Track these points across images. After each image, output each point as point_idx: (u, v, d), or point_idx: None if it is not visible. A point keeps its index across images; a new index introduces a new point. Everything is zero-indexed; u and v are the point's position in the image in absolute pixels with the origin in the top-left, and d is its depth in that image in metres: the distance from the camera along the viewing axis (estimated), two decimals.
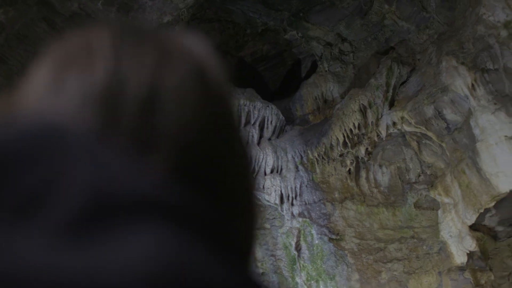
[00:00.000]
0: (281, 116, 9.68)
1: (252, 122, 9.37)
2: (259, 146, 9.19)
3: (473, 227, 8.17)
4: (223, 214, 0.33)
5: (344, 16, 10.14)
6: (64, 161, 0.24)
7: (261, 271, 8.64)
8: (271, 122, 9.53)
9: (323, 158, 9.15)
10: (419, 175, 8.90)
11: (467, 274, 8.08)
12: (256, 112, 9.34)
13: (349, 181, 9.04)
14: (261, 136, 9.48)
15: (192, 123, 0.32)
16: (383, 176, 9.09)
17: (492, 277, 8.09)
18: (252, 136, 9.23)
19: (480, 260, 8.18)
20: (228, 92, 0.38)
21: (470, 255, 8.13)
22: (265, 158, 9.06)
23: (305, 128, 9.87)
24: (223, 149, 0.35)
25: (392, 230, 8.64)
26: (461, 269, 8.13)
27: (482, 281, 8.08)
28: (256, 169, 9.09)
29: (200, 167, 0.32)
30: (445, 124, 8.33)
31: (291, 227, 8.77)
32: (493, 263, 8.21)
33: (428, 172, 8.82)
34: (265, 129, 9.54)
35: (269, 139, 9.50)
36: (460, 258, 8.13)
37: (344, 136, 8.88)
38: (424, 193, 8.73)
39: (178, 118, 0.31)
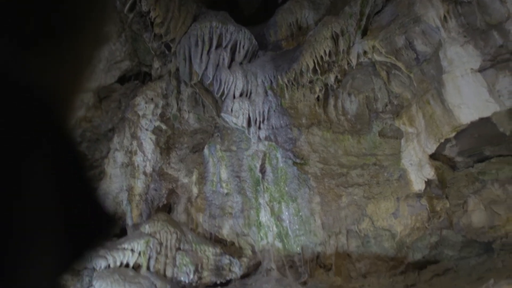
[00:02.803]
0: (254, 41, 9.52)
1: (224, 45, 9.22)
2: (229, 70, 9.11)
3: (433, 157, 8.40)
4: None
5: None
6: None
7: (225, 191, 8.83)
8: (243, 46, 9.37)
9: (292, 84, 9.13)
10: (386, 105, 8.99)
11: (424, 201, 8.38)
12: (228, 36, 9.16)
13: (317, 107, 9.09)
14: (232, 60, 9.37)
15: None
16: (351, 105, 9.16)
17: (447, 205, 8.42)
18: (223, 59, 9.13)
19: (437, 188, 8.47)
20: None
21: (428, 183, 8.41)
22: (235, 81, 9.01)
23: (277, 53, 9.74)
24: None
25: (356, 156, 8.82)
26: (419, 196, 8.42)
27: (438, 208, 8.40)
28: (225, 92, 9.06)
29: None
30: (415, 54, 8.34)
31: (257, 150, 8.88)
32: (449, 191, 8.51)
33: (395, 102, 8.91)
34: (236, 53, 9.40)
35: (241, 63, 9.39)
36: (418, 185, 8.40)
37: (314, 63, 8.82)
38: (389, 122, 8.86)
39: None
